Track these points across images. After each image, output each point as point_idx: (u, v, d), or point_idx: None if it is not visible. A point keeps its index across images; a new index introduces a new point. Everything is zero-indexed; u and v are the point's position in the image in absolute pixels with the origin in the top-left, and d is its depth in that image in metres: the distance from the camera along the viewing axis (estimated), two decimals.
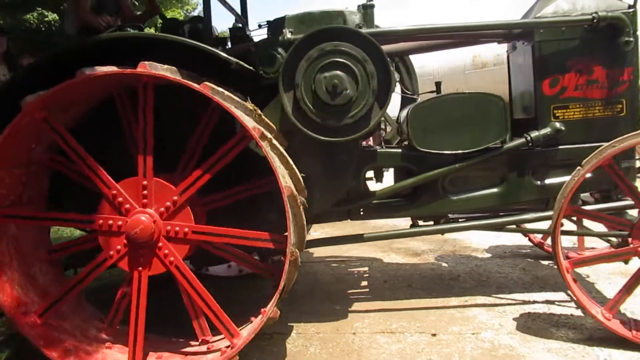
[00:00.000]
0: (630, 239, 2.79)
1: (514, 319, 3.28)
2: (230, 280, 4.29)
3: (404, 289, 3.98)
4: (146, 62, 2.47)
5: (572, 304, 3.45)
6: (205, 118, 2.84)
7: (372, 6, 3.16)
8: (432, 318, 3.37)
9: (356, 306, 3.66)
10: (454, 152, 3.15)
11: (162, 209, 2.66)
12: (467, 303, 3.61)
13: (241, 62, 2.75)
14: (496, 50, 12.12)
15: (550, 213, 3.21)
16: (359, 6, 3.19)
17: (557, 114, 3.21)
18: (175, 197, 2.65)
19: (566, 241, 4.70)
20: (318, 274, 4.52)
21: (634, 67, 3.13)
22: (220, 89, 2.52)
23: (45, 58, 2.72)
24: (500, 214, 3.57)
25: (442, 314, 3.44)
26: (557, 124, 3.16)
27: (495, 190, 3.29)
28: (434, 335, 3.12)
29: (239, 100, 2.59)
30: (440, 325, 3.24)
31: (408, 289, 3.99)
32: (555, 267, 2.94)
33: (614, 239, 3.03)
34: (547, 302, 3.53)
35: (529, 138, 3.15)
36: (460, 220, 3.57)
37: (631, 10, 3.08)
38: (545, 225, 3.41)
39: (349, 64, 2.73)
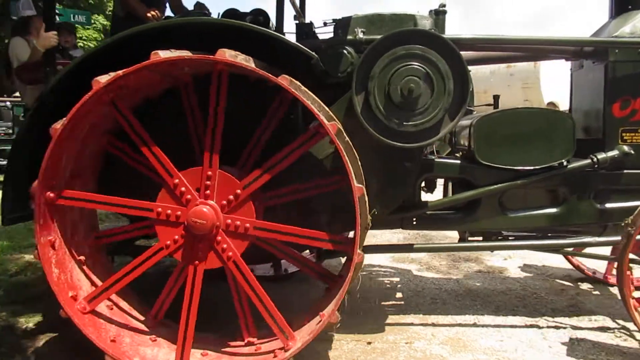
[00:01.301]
0: None
1: (446, 330, 3.37)
2: (272, 282, 4.17)
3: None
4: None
5: (500, 319, 3.55)
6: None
7: (445, 12, 3.08)
8: (368, 326, 3.38)
9: (294, 312, 3.59)
10: (518, 167, 3.06)
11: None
12: (403, 312, 3.65)
13: (318, 59, 2.68)
14: None
15: (611, 238, 3.15)
16: (430, 11, 3.11)
17: (625, 137, 3.12)
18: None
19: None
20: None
21: None
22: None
23: (119, 38, 2.65)
24: (548, 234, 3.50)
25: (378, 322, 3.47)
26: (625, 147, 3.08)
27: (554, 210, 3.19)
28: (369, 343, 3.15)
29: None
30: (376, 334, 3.27)
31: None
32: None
33: None
34: (476, 314, 3.63)
35: (595, 159, 3.06)
36: (510, 238, 3.49)
37: None
38: None
39: (426, 69, 2.64)
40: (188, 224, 2.53)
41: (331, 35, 3.18)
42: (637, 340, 3.17)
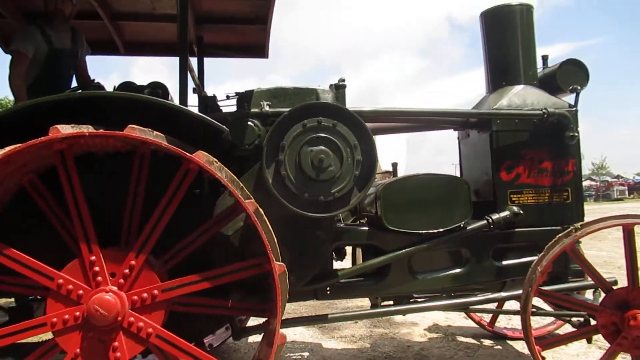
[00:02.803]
0: (594, 319, 2.92)
1: None
2: None
3: None
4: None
5: None
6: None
7: (344, 86, 3.21)
8: None
9: None
10: (423, 231, 3.18)
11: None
12: None
13: (229, 132, 2.63)
14: None
15: (512, 293, 3.33)
16: (331, 85, 3.23)
17: (513, 199, 3.40)
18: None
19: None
20: None
21: (576, 159, 3.45)
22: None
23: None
24: (452, 294, 3.63)
25: None
26: (515, 208, 3.34)
27: (458, 270, 3.33)
28: None
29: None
30: None
31: None
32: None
33: (574, 319, 3.15)
34: None
35: (490, 220, 3.27)
36: (419, 300, 3.55)
37: (573, 109, 3.44)
38: None
39: (335, 141, 2.71)
40: (88, 309, 2.26)
41: (232, 108, 3.17)
42: None
